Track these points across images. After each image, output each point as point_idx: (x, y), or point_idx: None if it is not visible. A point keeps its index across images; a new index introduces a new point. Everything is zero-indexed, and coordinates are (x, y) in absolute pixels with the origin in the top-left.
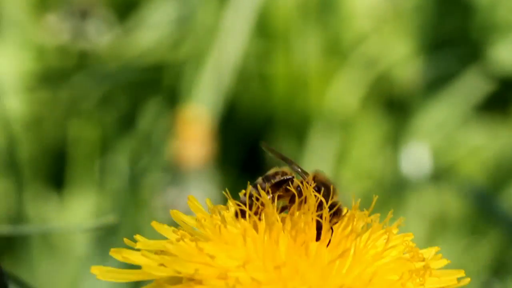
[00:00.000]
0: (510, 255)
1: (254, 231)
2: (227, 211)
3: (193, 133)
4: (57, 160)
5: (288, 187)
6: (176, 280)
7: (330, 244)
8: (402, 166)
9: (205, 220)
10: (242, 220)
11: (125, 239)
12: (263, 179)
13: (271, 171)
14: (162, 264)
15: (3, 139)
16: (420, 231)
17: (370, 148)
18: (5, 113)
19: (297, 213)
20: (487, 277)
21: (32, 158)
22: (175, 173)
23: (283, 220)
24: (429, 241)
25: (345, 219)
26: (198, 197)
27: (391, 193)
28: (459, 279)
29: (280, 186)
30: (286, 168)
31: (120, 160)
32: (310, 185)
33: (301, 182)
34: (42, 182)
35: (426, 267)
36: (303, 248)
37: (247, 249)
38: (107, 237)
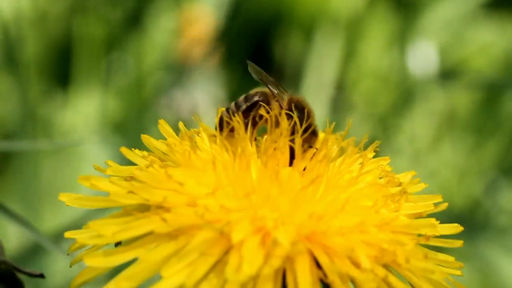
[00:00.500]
0: None
1: (225, 157)
2: (199, 136)
3: (198, 32)
4: (62, 57)
5: (259, 111)
6: (145, 207)
7: (302, 170)
8: (409, 64)
9: (175, 146)
10: (213, 145)
11: (94, 165)
12: (235, 103)
13: (252, 91)
14: (130, 192)
15: (8, 36)
16: (428, 130)
17: (377, 47)
18: (9, 10)
19: (268, 138)
20: (494, 175)
21: (37, 56)
22: (180, 72)
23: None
24: (436, 140)
25: (319, 143)
26: (203, 98)
27: (398, 92)
28: (435, 205)
29: (251, 110)
30: (267, 89)
31: (126, 58)
32: (282, 108)
33: (274, 105)
34: (47, 79)
35: (402, 192)
36: (274, 174)
37: (217, 175)
38: (112, 135)
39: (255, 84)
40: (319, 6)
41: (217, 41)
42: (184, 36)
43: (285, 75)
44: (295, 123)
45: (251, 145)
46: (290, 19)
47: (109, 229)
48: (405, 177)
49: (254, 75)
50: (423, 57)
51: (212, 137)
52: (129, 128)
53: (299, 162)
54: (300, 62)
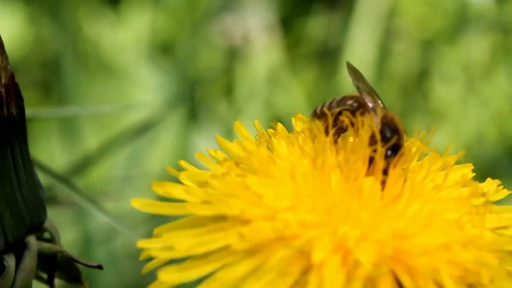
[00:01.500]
0: None
1: (304, 166)
2: (277, 137)
3: None
4: None
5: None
6: (220, 217)
7: (385, 183)
8: None
9: (252, 152)
10: (292, 152)
11: (168, 168)
12: (329, 104)
13: (347, 95)
14: (206, 201)
15: None
16: (482, 57)
17: None
18: None
19: (350, 148)
20: None
21: None
22: None
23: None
24: (490, 68)
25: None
26: (255, 22)
27: (451, 17)
28: None
29: (341, 114)
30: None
31: None
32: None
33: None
34: None
35: (486, 204)
36: (355, 187)
37: (296, 186)
38: (162, 56)
39: (308, 11)
40: None
41: None
42: None
43: (338, 1)
44: (383, 138)
45: (331, 154)
46: None
47: (183, 242)
48: (488, 186)
49: (351, 80)
50: None
51: (289, 139)
52: (179, 50)
53: (380, 174)
54: None
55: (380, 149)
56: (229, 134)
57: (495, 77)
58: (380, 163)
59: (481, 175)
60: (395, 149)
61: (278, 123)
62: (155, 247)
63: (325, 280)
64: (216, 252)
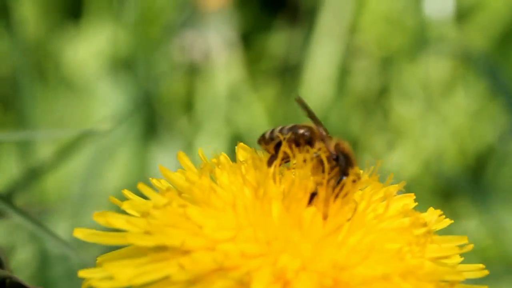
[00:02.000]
0: None
1: (246, 196)
2: (220, 167)
3: None
4: None
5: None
6: (160, 247)
7: (326, 214)
8: (424, 6)
9: (193, 183)
10: (233, 182)
11: (110, 197)
12: (280, 129)
13: (300, 124)
14: (147, 232)
15: None
16: (442, 74)
17: None
18: None
19: (291, 178)
20: (509, 121)
21: None
22: (192, 12)
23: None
24: (450, 85)
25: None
26: (216, 39)
27: (412, 35)
28: (460, 247)
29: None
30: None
31: None
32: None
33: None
34: (59, 12)
35: (427, 234)
36: (296, 217)
37: (237, 217)
38: (123, 71)
39: (269, 27)
40: None
41: None
42: None
43: (299, 16)
44: (338, 165)
45: (274, 184)
46: None
47: (124, 272)
48: (430, 215)
49: (303, 111)
50: None
51: (232, 169)
52: (140, 66)
53: (322, 205)
54: (314, 5)
55: (326, 179)
56: (189, 150)
57: (455, 95)
58: (323, 194)
59: (440, 193)
60: (346, 175)
61: (222, 154)
62: (96, 277)
63: None
64: (157, 283)
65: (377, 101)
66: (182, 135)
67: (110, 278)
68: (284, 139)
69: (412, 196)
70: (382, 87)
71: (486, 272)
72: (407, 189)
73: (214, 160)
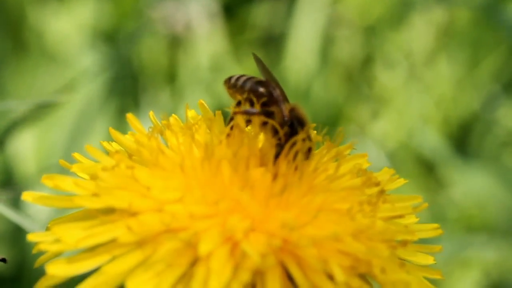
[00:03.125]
0: None
1: (195, 157)
2: (170, 129)
3: None
4: None
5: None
6: (109, 209)
7: (275, 174)
8: None
9: (142, 144)
10: (183, 143)
11: (60, 161)
12: (245, 80)
13: (263, 82)
14: (95, 194)
15: None
16: (424, 43)
17: None
18: None
19: (239, 139)
20: (492, 90)
21: None
22: None
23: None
24: (433, 54)
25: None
26: (197, 10)
27: (394, 7)
28: (414, 206)
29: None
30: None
31: None
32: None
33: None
34: None
35: (380, 193)
36: (246, 178)
37: (186, 177)
38: (106, 44)
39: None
40: None
41: None
42: None
43: None
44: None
45: (224, 145)
46: None
47: (72, 234)
48: (384, 175)
49: (260, 71)
50: None
51: (182, 130)
52: (122, 37)
53: (272, 165)
54: None
55: (275, 140)
56: None
57: (438, 64)
58: (272, 154)
59: (424, 161)
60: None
61: (173, 115)
62: (46, 240)
63: (212, 272)
64: (105, 245)
65: (361, 71)
66: (165, 106)
67: (58, 241)
68: (245, 98)
69: (365, 156)
70: (366, 56)
71: (440, 231)
72: (391, 158)
73: (165, 122)
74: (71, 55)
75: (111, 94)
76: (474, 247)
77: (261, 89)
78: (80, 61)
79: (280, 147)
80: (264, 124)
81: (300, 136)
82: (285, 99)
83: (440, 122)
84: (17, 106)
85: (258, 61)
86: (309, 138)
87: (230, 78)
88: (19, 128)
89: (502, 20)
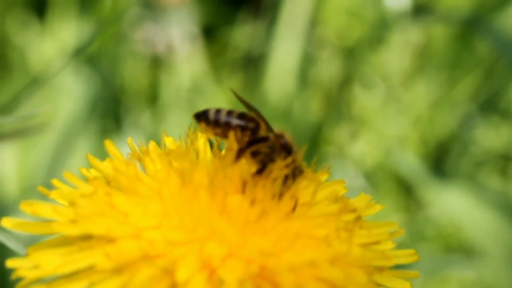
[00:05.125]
0: (493, 88)
1: (172, 184)
2: (148, 156)
3: None
4: None
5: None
6: (87, 236)
7: (253, 200)
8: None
9: (120, 171)
10: (160, 170)
11: (39, 187)
12: (227, 112)
13: (247, 113)
14: (73, 220)
15: None
16: (401, 65)
17: None
18: None
19: (219, 164)
20: (468, 110)
21: None
22: (154, 7)
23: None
24: (410, 75)
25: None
26: (177, 32)
27: (371, 27)
28: (390, 232)
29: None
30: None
31: None
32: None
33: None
34: (23, 7)
35: (356, 219)
36: (223, 205)
37: (163, 204)
38: (88, 65)
39: (232, 20)
40: None
41: None
42: None
43: (261, 9)
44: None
45: (201, 172)
46: None
47: (50, 261)
48: (360, 201)
49: (244, 106)
50: None
51: (160, 157)
52: (104, 59)
53: (249, 192)
54: None
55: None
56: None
57: (415, 84)
58: (250, 181)
59: (402, 181)
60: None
61: (151, 142)
62: (24, 266)
63: None
64: (83, 271)
65: (340, 91)
66: (146, 128)
67: (37, 267)
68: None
69: (342, 182)
70: (344, 77)
71: (416, 257)
72: (369, 178)
73: (143, 148)
74: (53, 76)
75: (93, 115)
76: (452, 266)
77: (250, 124)
78: (62, 82)
79: (262, 165)
80: (254, 154)
81: (281, 163)
82: (270, 129)
83: (417, 142)
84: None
85: (236, 95)
86: (295, 165)
87: (205, 114)
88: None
89: (487, 32)
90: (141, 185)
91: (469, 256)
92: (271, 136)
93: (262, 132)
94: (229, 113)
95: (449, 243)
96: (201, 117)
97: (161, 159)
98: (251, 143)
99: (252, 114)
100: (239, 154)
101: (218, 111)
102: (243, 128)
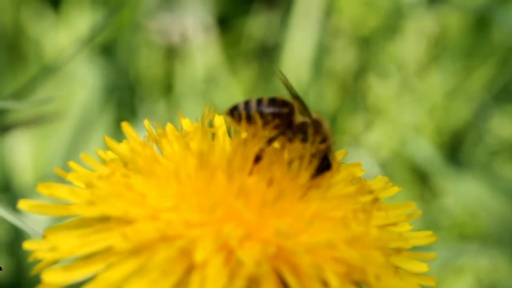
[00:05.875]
0: (508, 77)
1: (189, 166)
2: (165, 137)
3: None
4: None
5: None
6: (105, 217)
7: (271, 181)
8: None
9: (137, 152)
10: (177, 152)
11: (56, 169)
12: (258, 102)
13: (279, 98)
14: (90, 202)
15: None
16: (417, 54)
17: None
18: None
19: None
20: (484, 100)
21: None
22: None
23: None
24: (425, 65)
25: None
26: (192, 21)
27: (386, 16)
28: (407, 213)
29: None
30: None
31: None
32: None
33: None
34: (39, 1)
35: (373, 201)
36: (240, 186)
37: (180, 186)
38: (103, 55)
39: (247, 10)
40: None
41: None
42: None
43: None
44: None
45: (218, 154)
46: None
47: (68, 242)
48: (377, 183)
49: (284, 84)
50: None
51: (178, 139)
52: (118, 49)
53: (266, 173)
54: None
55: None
56: None
57: (430, 74)
58: (267, 160)
59: (417, 171)
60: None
61: (168, 124)
62: (42, 248)
63: (207, 280)
64: (101, 253)
65: (355, 81)
66: (161, 117)
67: (54, 249)
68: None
69: (360, 165)
70: (359, 67)
71: (434, 238)
72: (384, 168)
73: (160, 131)
74: (68, 66)
75: (108, 105)
76: (467, 255)
77: (284, 110)
78: (77, 72)
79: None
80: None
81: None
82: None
83: (432, 132)
84: (15, 106)
85: (282, 78)
86: (326, 154)
87: (236, 108)
88: (17, 130)
89: (502, 21)
90: (158, 166)
91: (484, 244)
92: (307, 121)
93: (297, 117)
94: (259, 102)
95: (464, 232)
96: (233, 112)
97: (178, 141)
98: (283, 131)
99: (284, 98)
100: (271, 140)
101: (247, 102)
102: (276, 115)
